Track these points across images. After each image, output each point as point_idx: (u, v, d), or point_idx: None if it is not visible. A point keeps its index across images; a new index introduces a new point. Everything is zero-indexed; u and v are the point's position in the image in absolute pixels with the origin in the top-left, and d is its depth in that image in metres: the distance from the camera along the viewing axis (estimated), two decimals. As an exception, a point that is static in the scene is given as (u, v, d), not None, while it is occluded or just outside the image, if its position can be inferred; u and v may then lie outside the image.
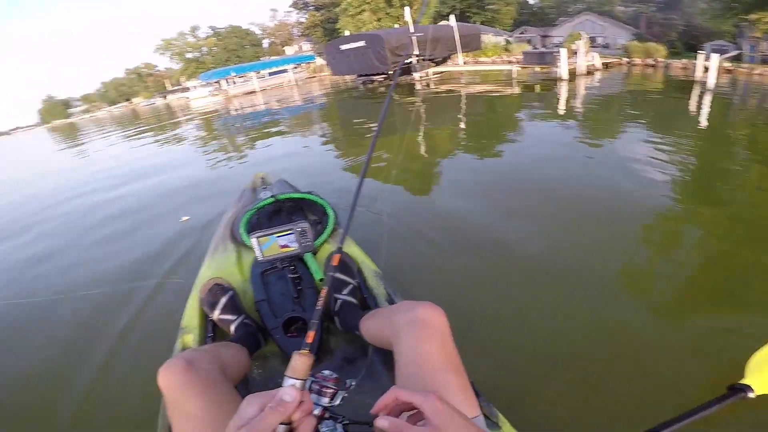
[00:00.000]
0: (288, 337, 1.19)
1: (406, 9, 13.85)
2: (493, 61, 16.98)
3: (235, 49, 48.33)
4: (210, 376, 0.79)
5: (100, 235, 3.50)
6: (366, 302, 1.31)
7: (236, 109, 16.06)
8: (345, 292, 1.25)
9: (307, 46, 40.33)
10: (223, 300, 1.28)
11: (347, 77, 16.55)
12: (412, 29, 13.02)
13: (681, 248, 2.23)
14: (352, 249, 1.51)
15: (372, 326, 1.03)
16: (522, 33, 30.46)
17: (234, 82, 25.56)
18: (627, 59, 15.98)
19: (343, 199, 2.01)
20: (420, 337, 0.74)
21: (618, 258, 2.08)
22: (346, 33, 19.81)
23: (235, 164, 5.78)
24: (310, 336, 0.55)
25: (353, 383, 0.65)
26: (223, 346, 1.02)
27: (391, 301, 1.28)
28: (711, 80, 7.94)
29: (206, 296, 1.31)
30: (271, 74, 25.59)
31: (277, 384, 0.89)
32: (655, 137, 4.47)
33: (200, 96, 28.08)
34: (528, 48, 19.66)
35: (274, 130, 8.60)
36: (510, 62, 14.45)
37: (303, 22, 43.17)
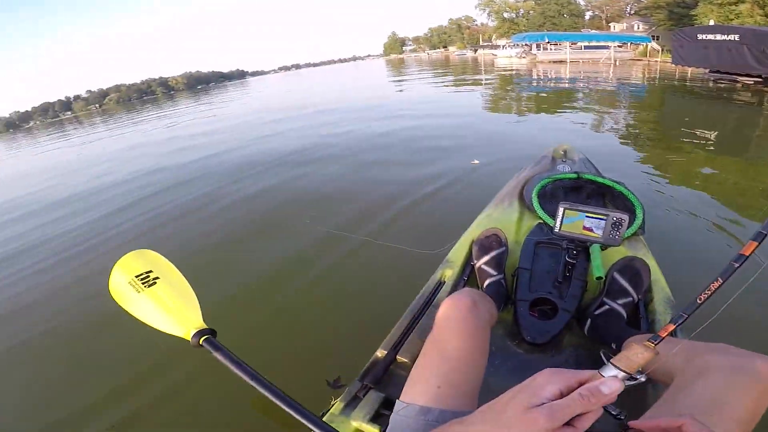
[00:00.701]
0: (529, 315, 1.14)
1: None
2: None
3: (552, 16, 46.75)
4: (483, 322, 0.82)
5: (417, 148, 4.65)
6: (638, 323, 1.15)
7: (539, 74, 16.15)
8: (620, 301, 1.11)
9: (641, 27, 34.49)
10: (494, 252, 1.29)
11: (689, 69, 13.52)
12: None
13: None
14: (651, 262, 1.33)
15: None
16: None
17: (545, 48, 25.25)
18: None
19: (648, 204, 1.67)
20: (735, 386, 0.61)
21: None
22: (711, 22, 15.79)
23: (522, 125, 6.07)
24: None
25: (644, 378, 0.53)
26: (487, 297, 0.98)
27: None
28: None
29: (482, 240, 1.34)
30: (587, 47, 23.66)
31: (495, 354, 0.91)
32: None
33: (507, 55, 29.32)
34: None
35: (571, 103, 8.25)
36: None
37: (642, 1, 36.76)
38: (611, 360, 0.43)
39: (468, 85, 13.42)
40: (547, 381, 0.41)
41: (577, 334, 1.16)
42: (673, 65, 13.72)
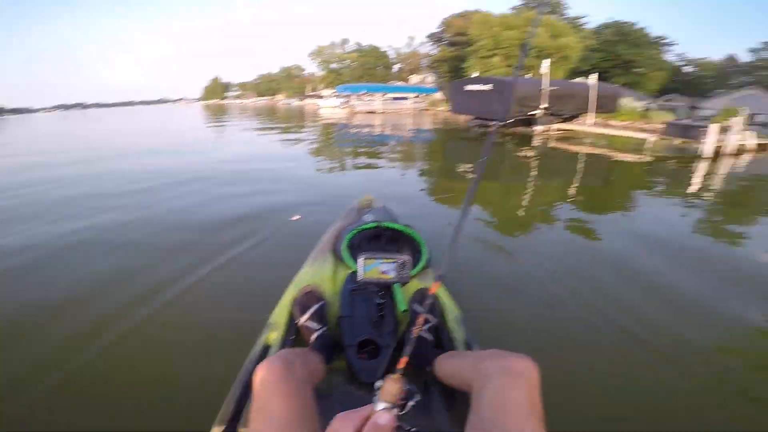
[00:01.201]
0: (359, 358, 1.24)
1: (545, 61, 13.56)
2: (625, 126, 15.66)
3: (369, 68, 51.11)
4: (301, 381, 0.83)
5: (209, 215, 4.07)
6: (441, 342, 1.35)
7: (356, 125, 17.58)
8: (424, 327, 1.28)
9: (431, 79, 41.78)
10: (314, 308, 1.36)
11: (461, 117, 16.75)
12: (546, 83, 12.67)
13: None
14: (439, 289, 1.52)
15: (450, 366, 1.06)
16: (668, 101, 27.47)
17: (362, 100, 27.87)
18: None
19: (432, 239, 1.95)
20: (510, 385, 0.75)
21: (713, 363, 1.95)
22: (475, 74, 20.06)
23: (343, 177, 6.43)
24: (402, 362, 0.58)
25: (419, 397, 0.67)
26: (309, 352, 1.07)
27: (468, 347, 1.32)
28: None
29: (301, 299, 1.41)
30: (394, 99, 27.19)
31: (340, 399, 0.98)
32: None
33: (330, 105, 31.24)
34: (671, 118, 17.70)
35: (382, 152, 9.24)
36: (645, 131, 13.21)
37: (433, 55, 44.48)
38: (376, 397, 0.54)
39: (292, 134, 13.60)
40: (342, 425, 0.50)
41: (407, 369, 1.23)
42: (451, 113, 16.66)
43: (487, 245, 3.33)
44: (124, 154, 9.54)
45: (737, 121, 10.17)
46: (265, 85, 77.08)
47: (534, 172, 7.39)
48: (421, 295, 1.38)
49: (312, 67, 59.49)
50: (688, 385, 1.78)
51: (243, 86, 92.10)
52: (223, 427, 1.01)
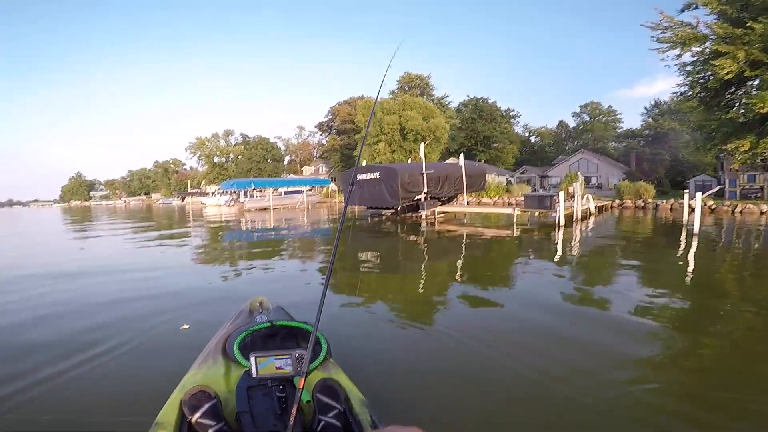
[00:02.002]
0: None
1: (421, 145, 14.95)
2: (494, 203, 17.93)
3: (258, 161, 49.14)
4: None
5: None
6: (350, 427, 1.39)
7: (247, 223, 16.59)
8: (330, 415, 1.34)
9: (324, 169, 42.85)
10: (206, 406, 1.36)
11: (356, 207, 17.11)
12: (424, 166, 13.68)
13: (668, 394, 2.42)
14: (341, 377, 1.62)
15: None
16: (522, 173, 32.87)
17: (251, 196, 26.75)
18: (619, 201, 17.07)
19: (335, 328, 2.39)
20: None
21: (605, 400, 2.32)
22: (364, 162, 21.05)
23: (235, 280, 6.03)
24: None
25: None
26: None
27: (375, 427, 1.34)
28: (696, 224, 8.83)
29: (189, 399, 1.40)
30: (286, 193, 26.54)
31: None
32: (644, 288, 4.90)
33: (216, 203, 29.41)
34: (528, 190, 20.98)
35: (276, 251, 8.85)
36: (510, 205, 15.15)
37: (323, 145, 46.19)
38: None
39: (175, 239, 11.95)
40: None
41: None
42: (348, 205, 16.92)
43: (389, 330, 3.58)
44: None
45: (578, 187, 12.41)
46: (138, 183, 69.39)
47: (426, 256, 7.70)
48: (323, 385, 1.44)
49: (192, 162, 54.88)
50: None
51: (111, 184, 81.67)
52: None
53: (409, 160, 23.74)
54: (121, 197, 71.73)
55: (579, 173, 20.59)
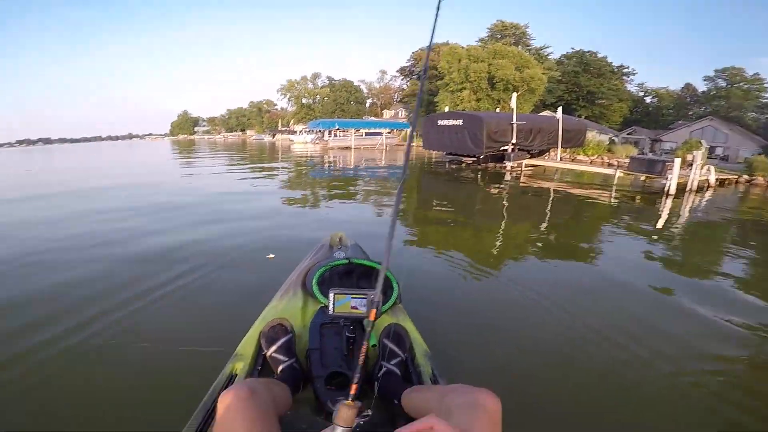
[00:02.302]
0: (327, 389, 1.25)
1: (514, 95, 13.75)
2: (591, 161, 16.01)
3: (342, 103, 50.82)
4: (265, 408, 0.84)
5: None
6: (410, 377, 1.38)
7: (329, 160, 17.24)
8: (393, 362, 1.33)
9: (403, 113, 42.45)
10: (282, 340, 1.39)
11: (434, 153, 16.68)
12: (515, 116, 12.74)
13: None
14: (408, 324, 1.60)
15: (417, 399, 1.07)
16: (630, 134, 28.69)
17: (335, 135, 27.81)
18: (747, 177, 14.11)
19: (404, 274, 2.09)
20: (473, 420, 0.78)
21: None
22: (446, 109, 20.26)
23: (315, 214, 6.36)
24: (353, 388, 0.60)
25: (370, 413, 0.83)
26: (274, 382, 1.09)
27: (434, 381, 1.33)
28: None
29: (268, 332, 1.42)
30: (367, 134, 27.29)
31: (305, 430, 1.11)
32: (753, 286, 3.77)
33: (302, 141, 31.04)
34: (635, 152, 18.31)
35: (355, 187, 9.14)
36: (611, 165, 13.42)
37: (404, 89, 45.18)
38: (335, 422, 0.58)
39: (265, 171, 13.11)
40: None
41: (370, 397, 1.25)
42: (424, 149, 16.51)
43: (457, 281, 3.44)
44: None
45: (699, 155, 10.39)
46: (235, 120, 75.27)
47: (507, 210, 7.20)
48: (391, 330, 1.42)
49: (283, 102, 58.46)
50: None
51: (212, 121, 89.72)
52: None
53: (497, 110, 22.18)
54: (220, 133, 78.95)
55: (702, 141, 17.34)
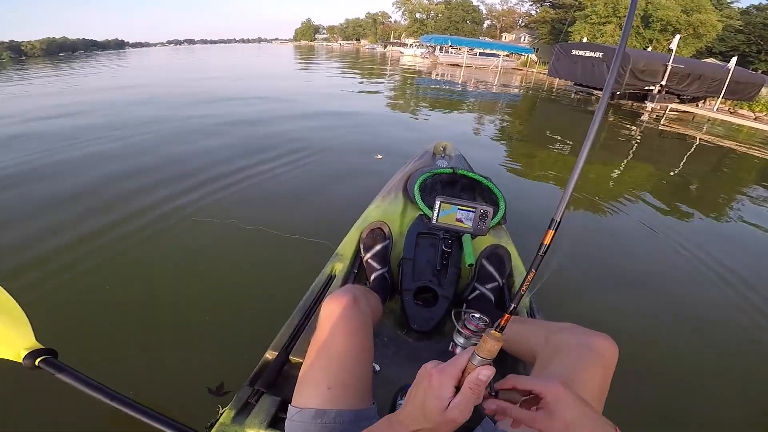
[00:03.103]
0: (414, 304, 1.20)
1: (676, 37, 11.43)
2: (756, 117, 12.98)
3: (457, 21, 49.86)
4: (365, 319, 0.81)
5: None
6: (503, 305, 1.24)
7: (438, 75, 16.55)
8: (488, 286, 1.22)
9: (527, 38, 38.52)
10: (379, 247, 1.34)
11: (557, 81, 14.99)
12: (672, 57, 10.76)
13: None
14: (511, 248, 1.45)
15: (516, 331, 0.93)
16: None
17: (446, 52, 26.48)
18: None
19: (511, 196, 1.82)
20: (586, 363, 0.70)
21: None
22: (584, 39, 17.76)
23: (420, 121, 6.28)
24: (506, 319, 0.53)
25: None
26: (370, 292, 1.02)
27: (531, 315, 1.21)
28: None
29: (368, 236, 1.39)
30: (481, 54, 25.43)
31: (386, 342, 1.02)
32: None
33: (412, 54, 30.28)
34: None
35: (461, 103, 8.70)
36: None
37: (533, 15, 41.57)
38: (477, 352, 0.51)
39: (374, 77, 13.28)
40: (441, 382, 0.47)
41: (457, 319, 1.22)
42: (545, 76, 14.98)
43: (572, 215, 3.01)
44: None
45: None
46: (352, 30, 78.20)
47: (637, 150, 6.28)
48: (492, 251, 1.29)
49: (397, 15, 60.38)
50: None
51: (331, 30, 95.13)
52: (276, 353, 0.99)
53: (649, 49, 18.78)
54: (337, 41, 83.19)
55: None
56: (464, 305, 1.18)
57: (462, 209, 1.21)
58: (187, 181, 3.00)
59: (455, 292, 1.23)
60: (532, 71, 23.12)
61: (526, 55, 24.88)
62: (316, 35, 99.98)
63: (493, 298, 1.20)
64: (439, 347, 1.13)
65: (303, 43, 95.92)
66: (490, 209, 1.19)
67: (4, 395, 1.25)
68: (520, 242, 1.58)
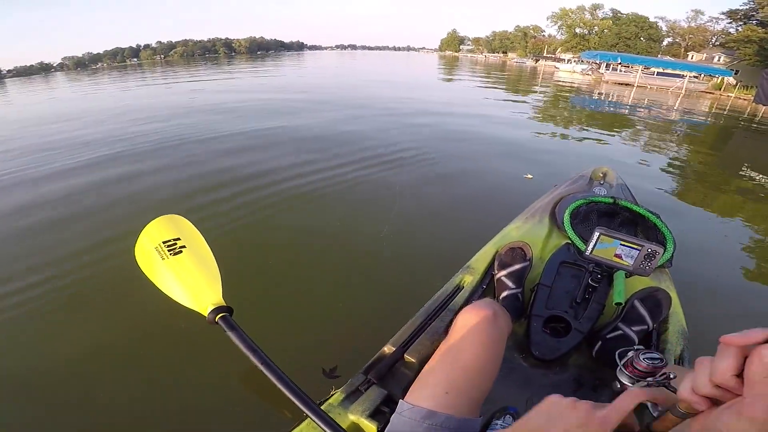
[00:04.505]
0: (542, 331, 1.17)
1: None
2: None
3: (627, 38, 45.77)
4: (500, 334, 0.80)
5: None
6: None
7: (601, 94, 15.27)
8: (635, 328, 1.11)
9: (722, 59, 32.48)
10: (517, 267, 1.31)
11: (763, 108, 12.29)
12: None
13: None
14: (673, 296, 1.30)
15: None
16: None
17: (614, 69, 24.14)
18: None
19: (680, 239, 1.59)
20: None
21: None
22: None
23: (576, 142, 5.90)
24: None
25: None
26: (503, 309, 0.99)
27: (680, 364, 1.10)
28: None
29: (506, 254, 1.36)
30: (659, 74, 22.27)
31: (505, 361, 0.89)
32: None
33: (569, 70, 28.37)
34: None
35: (625, 127, 7.89)
36: None
37: (731, 34, 34.96)
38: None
39: (525, 94, 13.00)
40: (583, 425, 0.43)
41: (584, 354, 1.16)
42: (745, 102, 12.42)
43: (754, 269, 2.52)
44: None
45: None
46: (498, 42, 77.01)
47: None
48: (649, 294, 1.17)
49: (551, 30, 57.53)
50: None
51: (476, 41, 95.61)
52: (393, 349, 1.03)
53: None
54: (482, 53, 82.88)
55: None
56: (599, 343, 1.12)
57: (625, 245, 1.11)
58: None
59: (591, 328, 1.17)
60: (728, 95, 19.39)
61: (721, 77, 21.00)
62: (461, 46, 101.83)
63: (636, 341, 1.10)
64: (555, 378, 1.10)
65: (448, 53, 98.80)
66: (661, 250, 1.10)
67: (184, 341, 1.60)
68: (685, 292, 1.43)
